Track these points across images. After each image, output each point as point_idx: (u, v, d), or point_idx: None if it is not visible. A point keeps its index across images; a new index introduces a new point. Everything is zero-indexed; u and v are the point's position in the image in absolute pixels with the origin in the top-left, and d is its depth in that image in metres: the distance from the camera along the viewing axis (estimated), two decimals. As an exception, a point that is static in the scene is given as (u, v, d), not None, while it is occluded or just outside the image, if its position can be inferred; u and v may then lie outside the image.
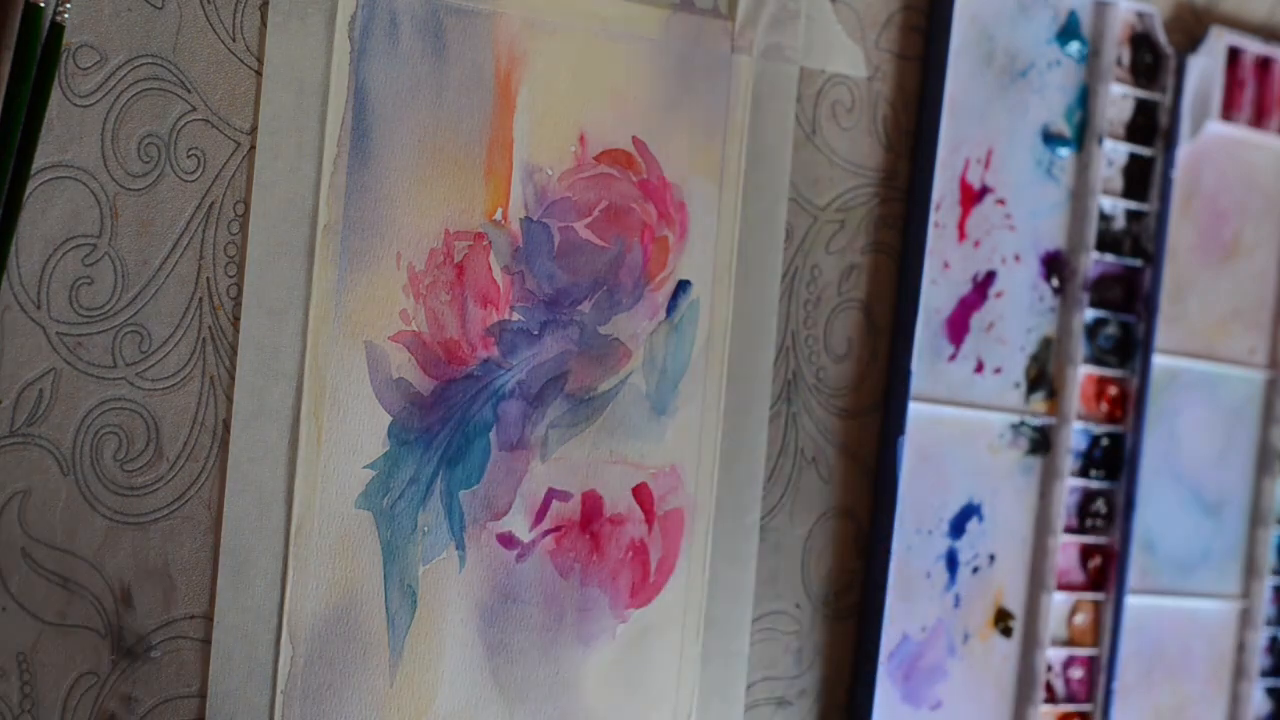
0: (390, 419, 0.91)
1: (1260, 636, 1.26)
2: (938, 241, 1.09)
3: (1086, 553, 1.17)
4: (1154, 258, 1.17)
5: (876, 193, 1.07)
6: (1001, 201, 1.11)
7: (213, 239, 0.86)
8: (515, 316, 0.95)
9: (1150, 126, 1.18)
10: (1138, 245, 1.17)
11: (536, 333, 0.95)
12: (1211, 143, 1.21)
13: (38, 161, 0.81)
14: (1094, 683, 1.17)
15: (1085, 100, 1.14)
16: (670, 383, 1.00)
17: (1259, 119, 1.23)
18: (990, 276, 1.11)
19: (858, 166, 1.06)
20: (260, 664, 0.88)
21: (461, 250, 0.93)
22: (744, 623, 1.03)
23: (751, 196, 1.02)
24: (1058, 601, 1.15)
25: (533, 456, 0.96)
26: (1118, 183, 1.17)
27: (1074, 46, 1.13)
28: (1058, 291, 1.14)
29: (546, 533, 0.97)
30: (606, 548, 0.99)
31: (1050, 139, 1.13)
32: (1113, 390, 1.17)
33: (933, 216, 1.08)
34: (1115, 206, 1.16)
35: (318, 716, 0.90)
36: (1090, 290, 1.15)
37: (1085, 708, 1.17)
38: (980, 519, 1.12)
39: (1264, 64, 1.23)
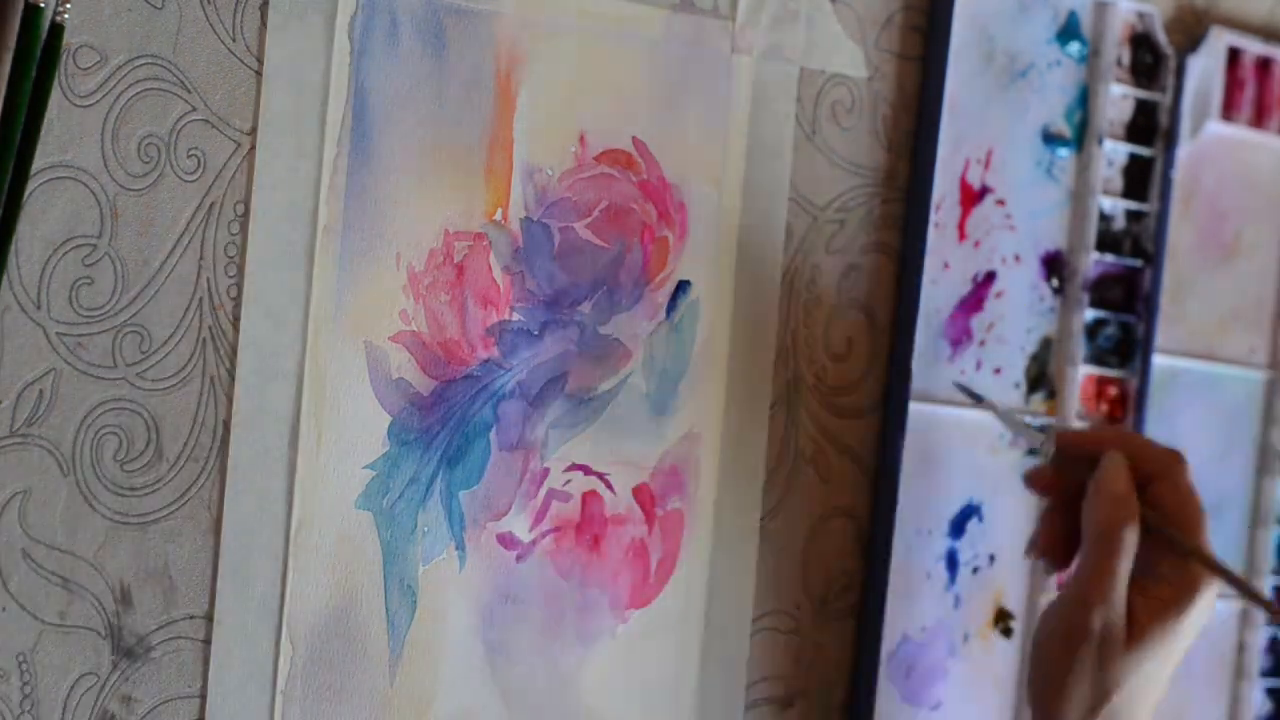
0: (390, 419, 0.91)
1: (1260, 636, 1.26)
2: (938, 241, 1.09)
3: (1086, 553, 1.17)
4: (1154, 258, 1.17)
5: (876, 193, 1.07)
6: (1001, 202, 1.11)
7: (213, 239, 0.86)
8: (515, 317, 0.95)
9: (1150, 126, 1.18)
10: (1138, 245, 1.17)
11: (536, 333, 0.95)
12: (1211, 143, 1.21)
13: (38, 161, 0.81)
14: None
15: (1085, 100, 1.14)
16: (670, 383, 1.00)
17: (1259, 119, 1.23)
18: (990, 276, 1.11)
19: (858, 166, 1.06)
20: (260, 664, 0.88)
21: (461, 250, 0.93)
22: (744, 623, 1.03)
23: (751, 196, 1.02)
24: (1058, 601, 1.15)
25: (533, 456, 0.96)
26: (1118, 183, 1.17)
27: (1074, 46, 1.13)
28: (1058, 291, 1.14)
29: (546, 533, 0.97)
30: (606, 548, 0.99)
31: (1050, 139, 1.13)
32: (1113, 390, 1.17)
33: (933, 217, 1.08)
34: (1115, 206, 1.16)
35: (318, 716, 0.90)
36: (1090, 290, 1.15)
37: (1085, 708, 1.17)
38: (980, 519, 1.12)
39: (1264, 64, 1.23)
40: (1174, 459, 1.02)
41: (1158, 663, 1.00)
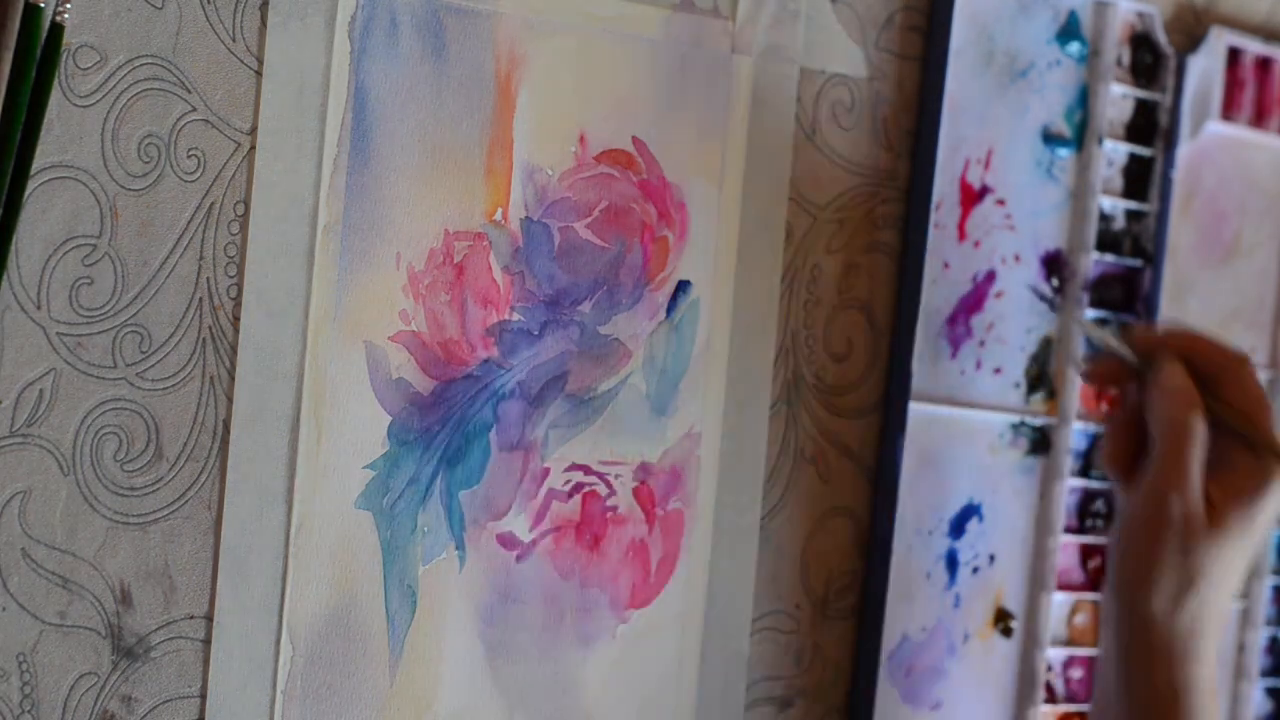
0: (390, 419, 0.91)
1: (1260, 636, 1.26)
2: (938, 241, 1.09)
3: (1086, 553, 1.17)
4: (1154, 258, 1.17)
5: (876, 193, 1.07)
6: (1001, 201, 1.11)
7: (213, 239, 0.86)
8: (515, 316, 0.95)
9: (1150, 126, 1.18)
10: (1138, 245, 1.17)
11: (536, 333, 0.95)
12: (1211, 143, 1.21)
13: (38, 161, 0.81)
14: (1094, 683, 1.17)
15: (1085, 100, 1.14)
16: (670, 383, 1.00)
17: (1259, 119, 1.23)
18: (990, 276, 1.11)
19: (858, 166, 1.06)
20: (260, 664, 0.88)
21: (461, 250, 0.93)
22: (744, 623, 1.03)
23: (751, 196, 1.02)
24: (1058, 601, 1.15)
25: (533, 456, 0.96)
26: (1118, 183, 1.17)
27: (1074, 46, 1.13)
28: (1058, 291, 1.14)
29: (546, 533, 0.97)
30: (606, 548, 0.99)
31: (1050, 139, 1.13)
32: (1113, 390, 1.17)
33: (933, 216, 1.08)
34: (1115, 206, 1.16)
35: (318, 716, 0.90)
36: (1090, 290, 1.15)
37: (1085, 708, 1.17)
38: (980, 519, 1.12)
39: (1264, 64, 1.23)
40: (1237, 360, 1.05)
41: (1238, 549, 1.02)
